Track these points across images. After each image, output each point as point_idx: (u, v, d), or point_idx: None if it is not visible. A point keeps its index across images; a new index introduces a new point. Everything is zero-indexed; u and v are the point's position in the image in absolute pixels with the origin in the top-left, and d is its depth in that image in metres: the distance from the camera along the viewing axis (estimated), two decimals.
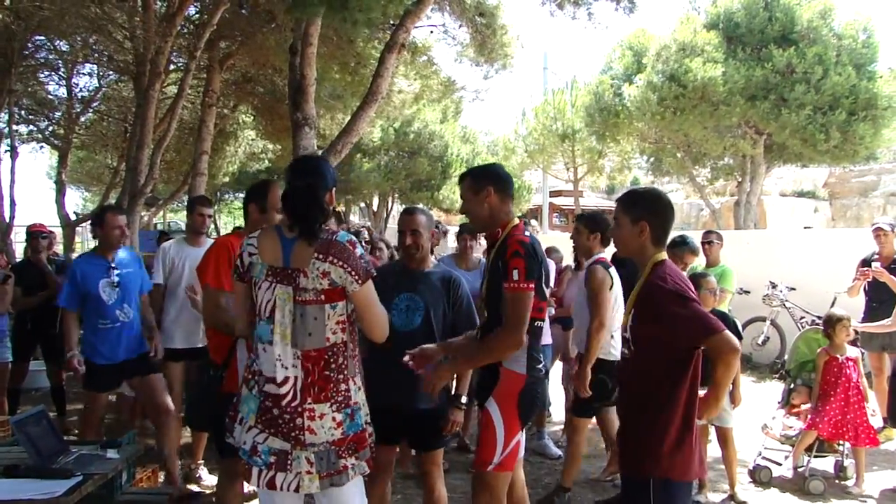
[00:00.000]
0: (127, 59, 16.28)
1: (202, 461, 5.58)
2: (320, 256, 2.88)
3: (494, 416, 3.44)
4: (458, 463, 6.15)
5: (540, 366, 3.57)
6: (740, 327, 10.86)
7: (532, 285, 3.36)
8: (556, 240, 14.31)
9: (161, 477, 5.42)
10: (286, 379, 2.90)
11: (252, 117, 21.20)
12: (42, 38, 17.69)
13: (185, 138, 20.87)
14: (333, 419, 2.91)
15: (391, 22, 11.02)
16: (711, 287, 5.54)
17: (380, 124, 24.94)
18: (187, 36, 15.11)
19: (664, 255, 3.05)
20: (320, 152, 9.96)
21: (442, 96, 16.81)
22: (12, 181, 16.73)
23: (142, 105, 13.10)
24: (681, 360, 2.87)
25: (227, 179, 28.68)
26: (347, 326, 3.00)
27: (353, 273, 2.90)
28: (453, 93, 16.61)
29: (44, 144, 22.21)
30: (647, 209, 3.07)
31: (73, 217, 20.66)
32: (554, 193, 39.47)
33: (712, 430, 5.69)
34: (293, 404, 2.88)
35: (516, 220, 3.64)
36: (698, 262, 7.36)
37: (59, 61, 19.16)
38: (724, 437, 5.60)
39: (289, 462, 2.89)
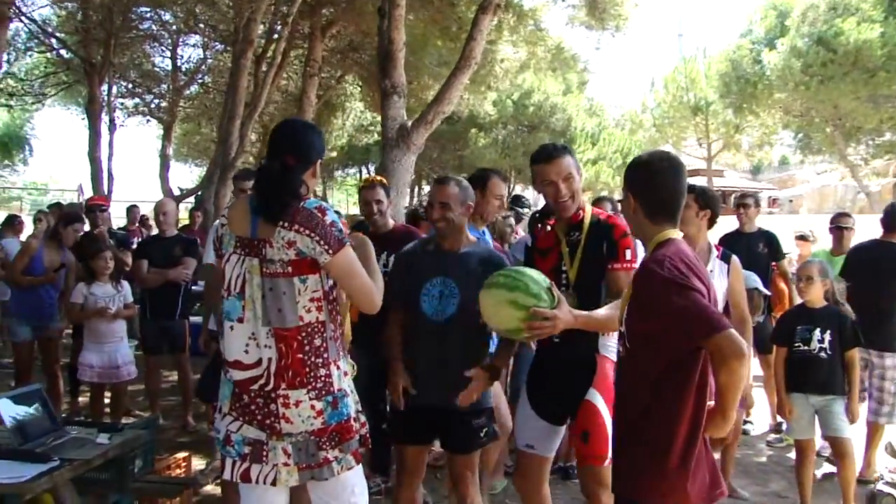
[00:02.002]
0: (230, 28, 16.70)
1: None
2: (285, 225, 2.75)
3: (601, 407, 3.35)
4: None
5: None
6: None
7: None
8: None
9: (202, 465, 5.43)
10: (259, 361, 2.79)
11: (359, 88, 21.30)
12: (146, 8, 18.41)
13: (291, 110, 21.22)
14: (312, 407, 2.78)
15: None
16: (807, 273, 5.02)
17: (495, 96, 24.58)
18: (287, 3, 15.28)
19: (673, 234, 2.66)
20: (410, 123, 9.82)
21: (551, 64, 16.39)
22: (111, 154, 17.49)
23: (234, 74, 13.33)
24: (683, 361, 2.50)
25: (334, 154, 29.15)
26: (325, 305, 2.85)
27: (323, 242, 2.75)
28: (565, 60, 16.16)
29: (150, 118, 23.11)
30: (634, 179, 2.75)
31: (176, 192, 21.37)
32: (690, 173, 37.75)
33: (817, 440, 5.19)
34: (266, 388, 2.78)
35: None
36: (819, 248, 6.82)
37: (164, 32, 19.85)
38: (841, 451, 5.02)
39: (264, 453, 2.80)
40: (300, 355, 2.78)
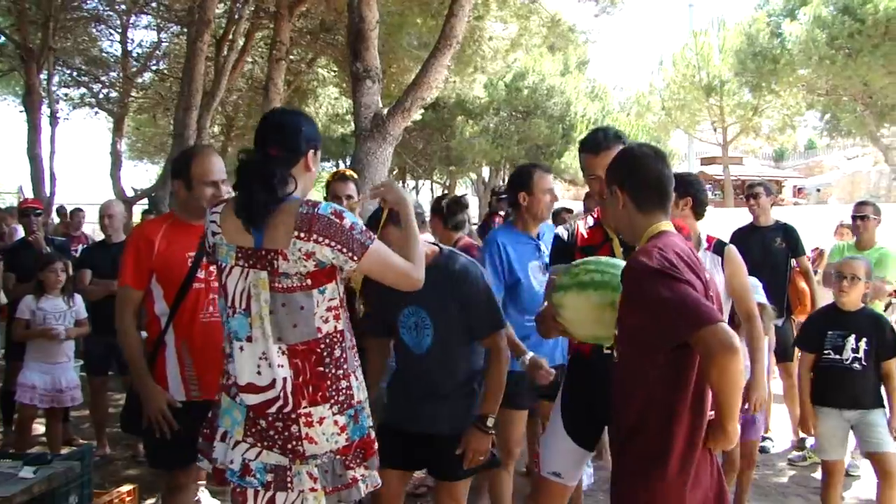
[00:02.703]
0: (186, 7, 16.63)
1: (202, 482, 5.51)
2: (302, 235, 2.73)
3: None
4: (518, 493, 5.83)
5: None
6: None
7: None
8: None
9: (153, 500, 5.42)
10: (273, 382, 2.81)
11: (333, 72, 21.26)
12: None
13: (256, 98, 21.19)
14: (335, 423, 2.84)
15: None
16: (853, 271, 4.95)
17: (485, 79, 24.54)
18: None
19: (665, 226, 2.77)
20: (385, 111, 9.81)
21: (546, 40, 16.40)
22: (52, 151, 17.30)
23: (190, 59, 13.30)
24: (677, 360, 2.58)
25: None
26: (342, 313, 2.91)
27: (346, 250, 2.77)
28: (562, 34, 16.16)
29: (98, 110, 23.03)
30: (619, 171, 2.89)
31: (130, 193, 21.30)
32: (706, 161, 38.23)
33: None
34: (285, 410, 2.80)
35: None
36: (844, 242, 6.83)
37: (111, 13, 19.77)
38: (885, 468, 4.83)
39: (289, 479, 2.82)
40: (320, 368, 2.83)
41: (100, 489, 5.03)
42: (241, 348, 2.84)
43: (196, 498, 5.52)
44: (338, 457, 2.85)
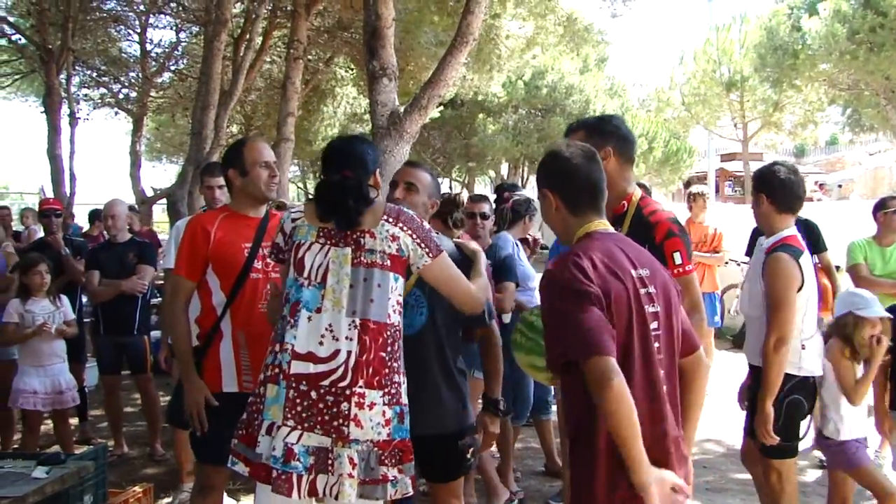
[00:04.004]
0: (203, 6, 16.63)
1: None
2: (390, 220, 3.03)
3: None
4: (537, 493, 5.81)
5: None
6: None
7: (693, 268, 3.41)
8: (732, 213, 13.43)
9: (170, 498, 5.42)
10: (335, 353, 2.93)
11: (350, 71, 21.24)
12: None
13: (275, 98, 21.15)
14: (383, 413, 2.94)
15: None
16: None
17: (503, 77, 24.44)
18: None
19: (596, 226, 2.70)
20: (402, 109, 9.78)
21: (562, 38, 16.32)
22: (72, 151, 17.39)
23: (207, 59, 13.30)
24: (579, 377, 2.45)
25: (325, 145, 29.12)
26: (402, 312, 3.12)
27: (424, 245, 3.06)
28: (578, 33, 16.09)
29: (118, 110, 23.11)
30: (548, 173, 2.82)
31: (150, 193, 21.38)
32: (726, 157, 38.02)
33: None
34: (341, 385, 2.90)
35: (639, 191, 3.53)
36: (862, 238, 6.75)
37: (130, 13, 19.84)
38: None
39: (330, 461, 2.88)
40: (382, 354, 2.98)
41: (117, 488, 5.02)
42: (309, 318, 2.97)
43: None
44: (375, 449, 2.91)
